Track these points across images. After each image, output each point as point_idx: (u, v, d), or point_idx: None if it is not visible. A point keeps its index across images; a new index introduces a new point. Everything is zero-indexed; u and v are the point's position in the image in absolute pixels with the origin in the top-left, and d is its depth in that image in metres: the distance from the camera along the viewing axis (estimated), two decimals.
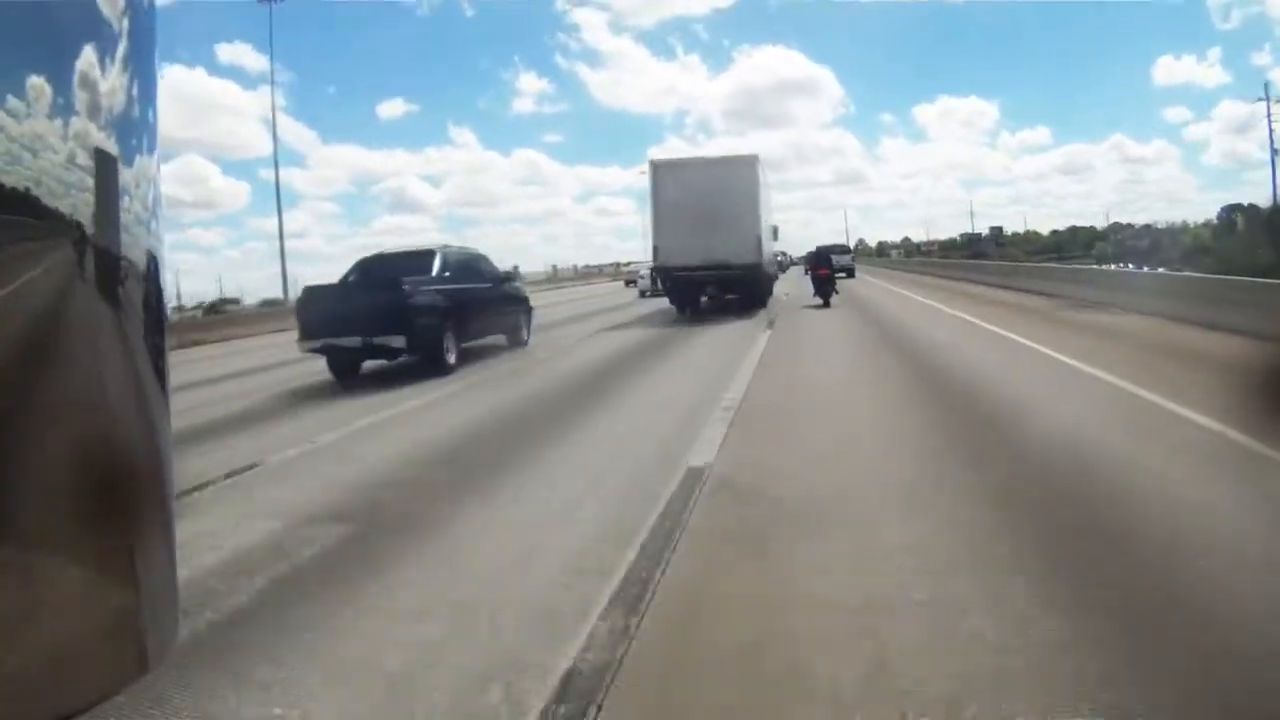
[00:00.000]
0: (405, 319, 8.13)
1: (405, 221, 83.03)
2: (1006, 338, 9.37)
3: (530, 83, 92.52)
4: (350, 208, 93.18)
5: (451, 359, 8.68)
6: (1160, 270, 18.63)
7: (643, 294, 24.79)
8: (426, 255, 9.30)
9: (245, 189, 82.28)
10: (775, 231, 18.44)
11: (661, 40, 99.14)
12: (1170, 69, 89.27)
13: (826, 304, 15.69)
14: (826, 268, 16.66)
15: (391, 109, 79.33)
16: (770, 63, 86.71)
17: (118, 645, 0.50)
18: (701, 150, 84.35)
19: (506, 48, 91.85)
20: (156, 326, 0.59)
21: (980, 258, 46.34)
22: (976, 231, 70.54)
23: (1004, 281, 19.19)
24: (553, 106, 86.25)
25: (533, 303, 12.02)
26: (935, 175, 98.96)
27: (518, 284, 11.96)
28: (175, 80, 67.01)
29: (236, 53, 73.06)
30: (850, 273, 30.17)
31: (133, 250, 0.56)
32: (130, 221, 0.56)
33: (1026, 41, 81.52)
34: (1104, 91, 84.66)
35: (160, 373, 0.59)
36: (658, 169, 15.74)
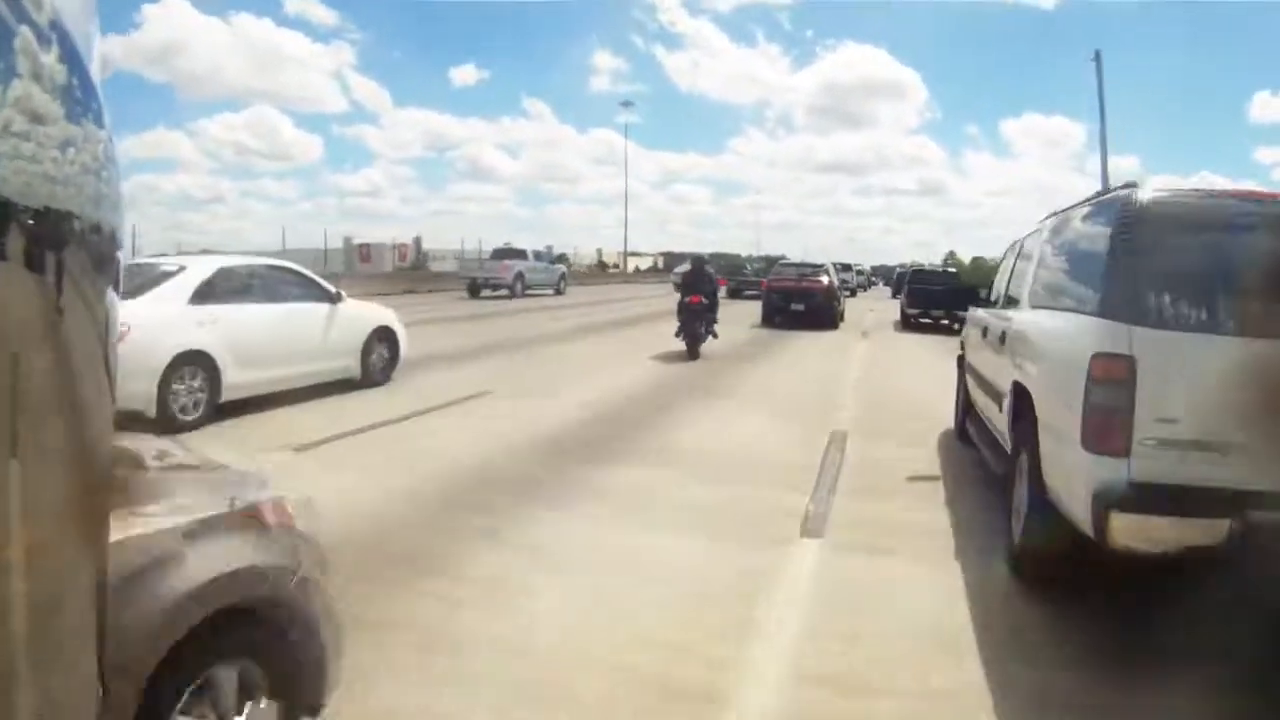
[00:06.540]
0: None
1: (482, 190, 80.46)
2: None
3: (605, 60, 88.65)
4: (425, 171, 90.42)
5: None
6: None
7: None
8: None
9: (318, 142, 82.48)
10: None
11: (741, 26, 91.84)
12: (1266, 104, 77.62)
13: (694, 355, 10.48)
14: (700, 293, 10.76)
15: (464, 75, 76.43)
16: (855, 60, 79.18)
17: None
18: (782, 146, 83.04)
19: (580, 21, 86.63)
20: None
21: None
22: None
23: None
24: (629, 86, 76.77)
25: None
26: (1020, 194, 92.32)
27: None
28: (244, 29, 65.85)
29: (304, 4, 73.26)
30: None
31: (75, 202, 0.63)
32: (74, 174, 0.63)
33: (1117, 64, 74.66)
34: (1195, 124, 75.01)
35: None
36: None
